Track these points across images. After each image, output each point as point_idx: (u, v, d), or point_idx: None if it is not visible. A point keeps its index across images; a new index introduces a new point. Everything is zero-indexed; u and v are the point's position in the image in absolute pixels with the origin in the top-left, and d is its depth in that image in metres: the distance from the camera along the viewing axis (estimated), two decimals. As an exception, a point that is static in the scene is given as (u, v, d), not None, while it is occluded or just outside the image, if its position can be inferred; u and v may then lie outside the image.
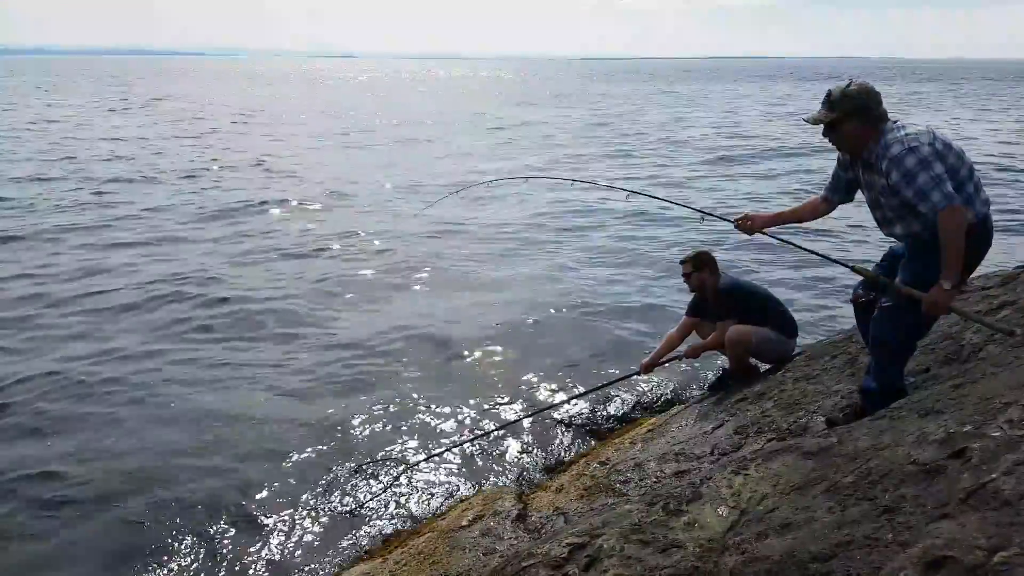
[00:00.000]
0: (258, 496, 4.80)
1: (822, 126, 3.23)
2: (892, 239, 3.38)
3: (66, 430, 5.61)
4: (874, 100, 3.13)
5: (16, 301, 8.52)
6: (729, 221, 3.88)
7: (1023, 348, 3.37)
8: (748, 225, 3.74)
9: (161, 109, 38.95)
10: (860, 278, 3.60)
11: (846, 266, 3.70)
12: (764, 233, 3.87)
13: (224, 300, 8.67)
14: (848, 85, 3.17)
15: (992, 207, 3.20)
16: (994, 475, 1.97)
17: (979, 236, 3.08)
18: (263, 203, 14.45)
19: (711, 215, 4.45)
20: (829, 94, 3.20)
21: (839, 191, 3.51)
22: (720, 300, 4.86)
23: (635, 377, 5.53)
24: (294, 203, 14.62)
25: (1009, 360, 3.25)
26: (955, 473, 2.07)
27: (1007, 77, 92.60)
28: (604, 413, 5.87)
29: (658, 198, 5.06)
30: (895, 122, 3.14)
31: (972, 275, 3.55)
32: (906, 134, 3.03)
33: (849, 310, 3.93)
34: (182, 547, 4.33)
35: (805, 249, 4.05)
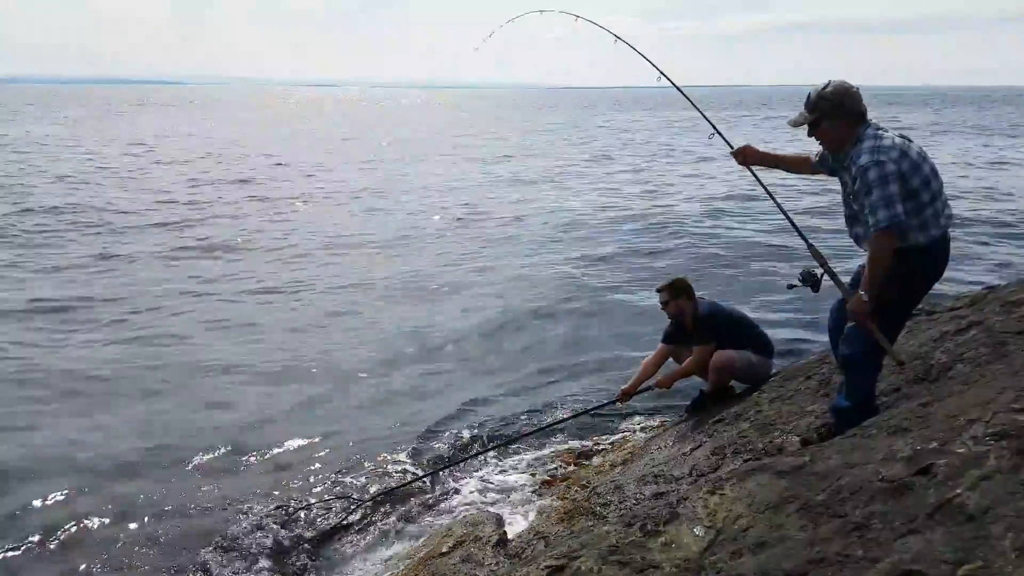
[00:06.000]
0: (227, 530, 4.64)
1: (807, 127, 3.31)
2: (853, 239, 3.43)
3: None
4: (850, 99, 3.19)
5: None
6: (730, 145, 3.91)
7: (990, 367, 3.45)
8: (742, 157, 3.79)
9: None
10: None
11: (806, 241, 3.76)
12: (754, 174, 3.97)
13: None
14: (825, 86, 3.25)
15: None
16: (958, 490, 2.02)
17: (931, 257, 3.19)
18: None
19: (720, 135, 4.22)
20: (808, 96, 3.28)
21: (824, 165, 3.53)
22: (699, 326, 4.91)
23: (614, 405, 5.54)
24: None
25: (976, 379, 3.33)
26: (922, 489, 2.12)
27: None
28: (585, 438, 5.87)
29: (684, 94, 4.72)
30: (877, 128, 3.17)
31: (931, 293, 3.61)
32: (878, 145, 3.08)
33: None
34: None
35: (782, 211, 3.99)
